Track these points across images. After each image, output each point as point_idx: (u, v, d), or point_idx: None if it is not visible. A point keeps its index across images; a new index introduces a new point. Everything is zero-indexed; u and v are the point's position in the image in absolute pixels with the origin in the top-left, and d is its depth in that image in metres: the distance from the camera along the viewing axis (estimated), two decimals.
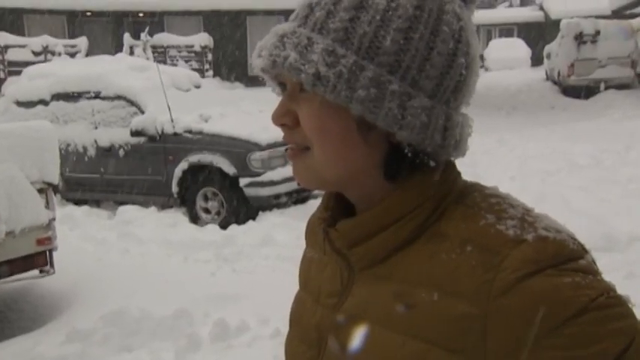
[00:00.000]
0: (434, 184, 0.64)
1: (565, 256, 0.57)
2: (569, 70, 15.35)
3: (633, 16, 17.02)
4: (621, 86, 15.00)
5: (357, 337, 0.65)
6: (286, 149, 0.68)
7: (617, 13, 17.70)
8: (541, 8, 27.60)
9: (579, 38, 15.28)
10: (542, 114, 13.19)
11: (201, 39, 17.69)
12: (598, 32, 15.21)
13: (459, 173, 0.68)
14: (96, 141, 6.88)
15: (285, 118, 0.65)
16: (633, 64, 15.45)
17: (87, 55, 15.44)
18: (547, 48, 18.61)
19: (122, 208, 6.51)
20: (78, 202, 7.04)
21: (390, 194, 0.65)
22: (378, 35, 0.61)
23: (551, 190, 6.25)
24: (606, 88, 14.90)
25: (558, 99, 15.30)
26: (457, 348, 0.58)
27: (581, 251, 0.59)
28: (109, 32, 18.70)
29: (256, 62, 0.64)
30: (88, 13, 18.52)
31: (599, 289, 0.56)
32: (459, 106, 0.65)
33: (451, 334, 0.58)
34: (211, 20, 18.74)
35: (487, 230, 0.60)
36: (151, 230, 5.78)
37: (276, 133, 5.91)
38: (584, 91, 14.99)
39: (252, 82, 17.84)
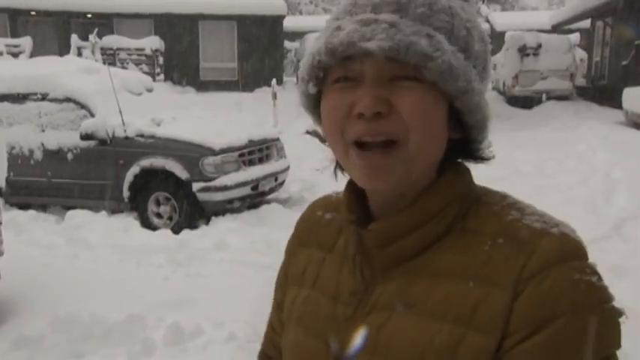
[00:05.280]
0: (462, 184, 0.71)
1: (584, 254, 0.65)
2: (513, 81, 15.98)
3: (570, 31, 17.87)
4: (561, 97, 15.73)
5: (391, 329, 0.68)
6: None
7: (556, 28, 18.55)
8: (487, 20, 28.52)
9: (523, 50, 15.93)
10: None
11: (152, 42, 17.36)
12: (540, 45, 15.90)
13: (471, 174, 0.75)
14: (43, 144, 6.68)
15: (381, 105, 0.64)
16: (571, 77, 16.23)
17: (31, 55, 14.90)
18: (493, 59, 19.25)
19: (71, 213, 6.36)
20: (23, 207, 6.82)
21: (421, 195, 0.69)
22: (469, 39, 0.67)
23: None
24: (547, 99, 15.60)
25: (504, 108, 15.85)
26: (489, 330, 0.62)
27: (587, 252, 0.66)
28: (54, 33, 18.10)
29: (369, 45, 0.61)
30: (33, 13, 17.90)
31: (607, 295, 0.63)
32: None
33: (485, 318, 0.63)
34: (163, 23, 18.45)
35: (515, 224, 0.66)
36: (102, 235, 5.67)
37: (230, 138, 5.90)
38: (527, 102, 15.63)
39: (204, 87, 17.68)
